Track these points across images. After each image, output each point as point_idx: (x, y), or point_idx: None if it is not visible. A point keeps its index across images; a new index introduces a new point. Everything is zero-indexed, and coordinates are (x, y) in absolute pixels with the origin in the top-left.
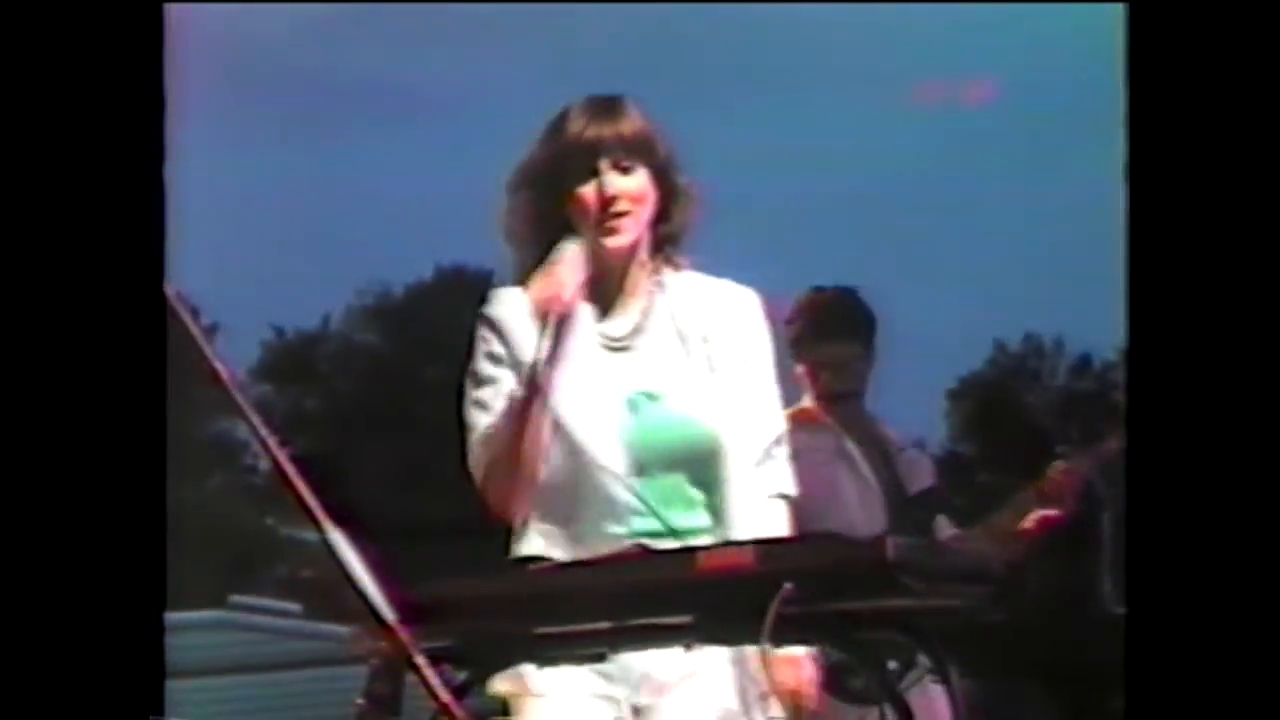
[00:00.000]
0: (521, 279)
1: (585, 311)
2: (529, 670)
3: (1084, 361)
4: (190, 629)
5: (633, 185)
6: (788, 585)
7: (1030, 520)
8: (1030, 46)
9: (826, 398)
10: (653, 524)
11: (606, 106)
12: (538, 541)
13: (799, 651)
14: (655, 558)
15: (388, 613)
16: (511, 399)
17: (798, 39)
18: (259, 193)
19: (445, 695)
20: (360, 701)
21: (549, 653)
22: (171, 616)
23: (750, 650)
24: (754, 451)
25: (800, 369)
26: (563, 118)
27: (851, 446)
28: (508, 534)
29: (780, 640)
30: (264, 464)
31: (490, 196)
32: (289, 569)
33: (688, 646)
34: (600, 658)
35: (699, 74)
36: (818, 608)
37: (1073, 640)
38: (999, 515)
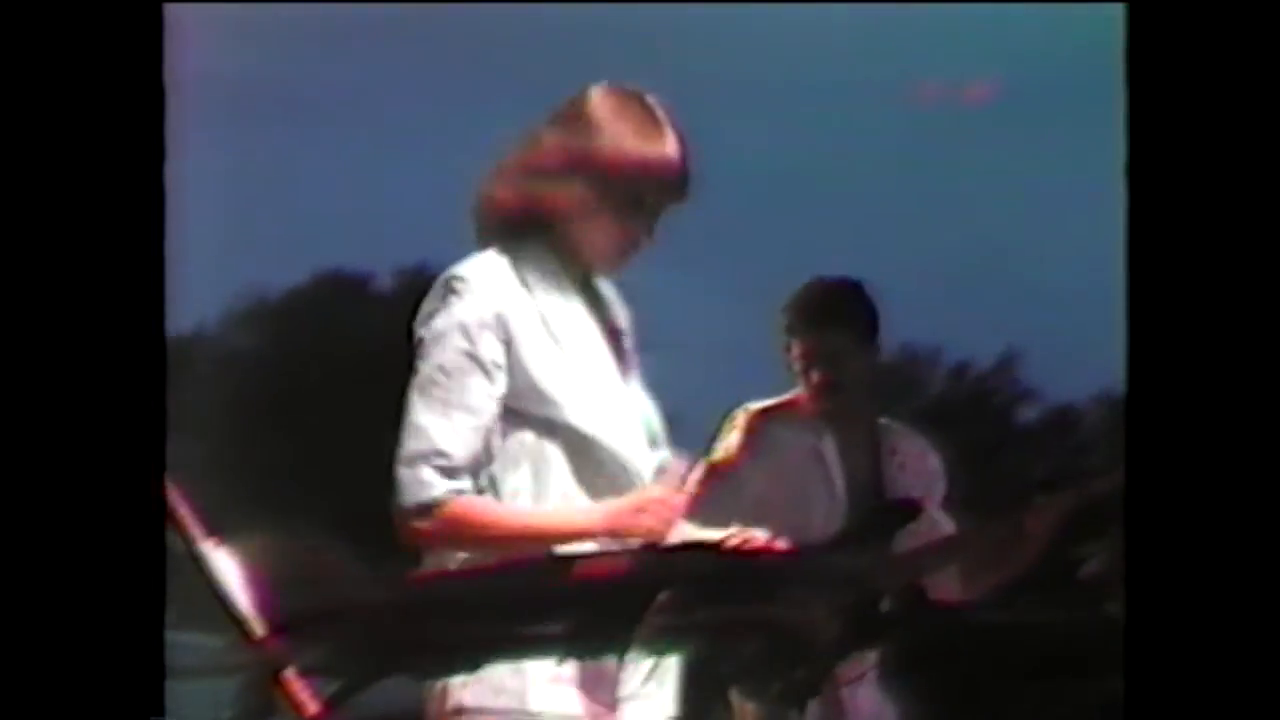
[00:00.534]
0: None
1: (579, 306)
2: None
3: (961, 369)
4: None
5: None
6: (664, 593)
7: (1030, 531)
8: (1030, 46)
9: (816, 388)
10: None
11: (678, 135)
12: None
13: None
14: (530, 566)
15: (256, 625)
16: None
17: (798, 38)
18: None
19: (314, 708)
20: (229, 715)
21: (422, 664)
22: None
23: None
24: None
25: (794, 357)
26: (651, 122)
27: (830, 447)
28: (388, 539)
29: (657, 649)
30: None
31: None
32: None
33: (561, 659)
34: (474, 667)
35: (698, 74)
36: (694, 616)
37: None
38: (994, 524)
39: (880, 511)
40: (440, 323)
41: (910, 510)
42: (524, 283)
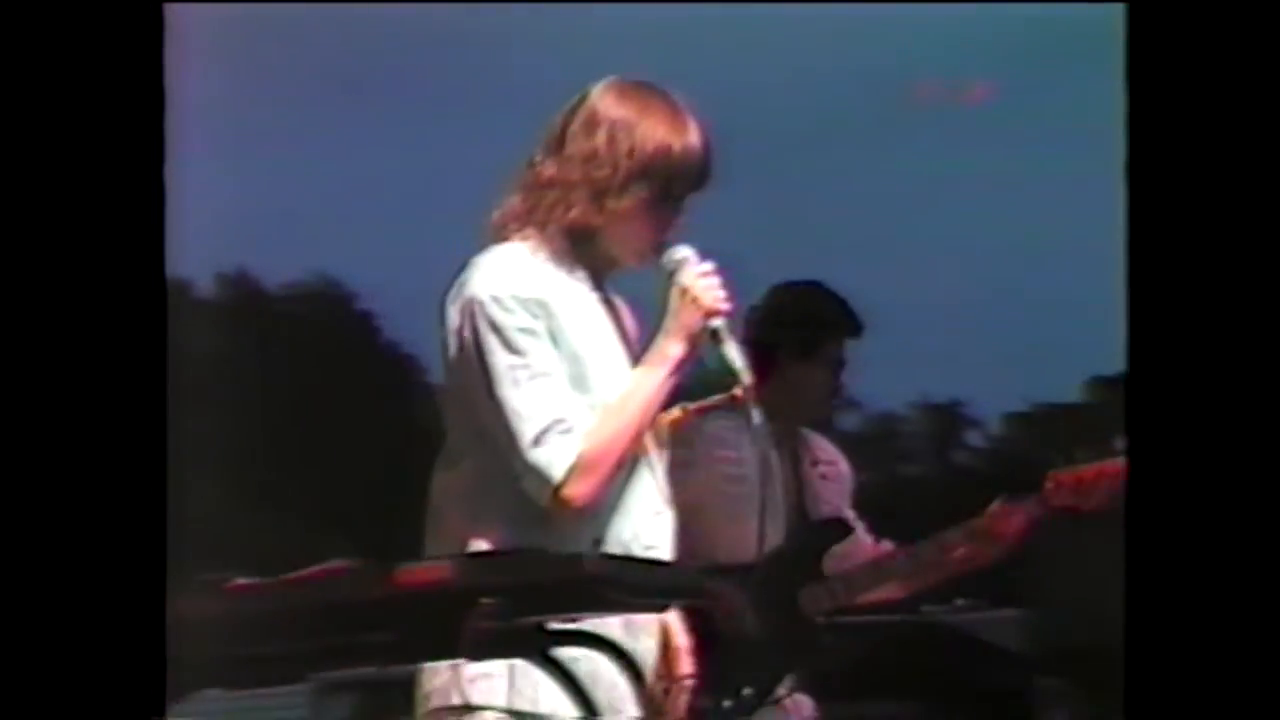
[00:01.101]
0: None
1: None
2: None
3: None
4: None
5: None
6: (485, 600)
7: (957, 553)
8: (1030, 46)
9: (757, 392)
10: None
11: (697, 121)
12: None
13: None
14: (351, 574)
15: None
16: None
17: (798, 38)
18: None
19: None
20: None
21: (248, 676)
22: None
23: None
24: None
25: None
26: (675, 111)
27: (773, 456)
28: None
29: (479, 656)
30: None
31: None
32: None
33: (383, 664)
34: (298, 677)
35: (700, 72)
36: (517, 623)
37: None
38: (924, 545)
39: (814, 530)
40: (487, 310)
41: (842, 530)
42: (550, 274)
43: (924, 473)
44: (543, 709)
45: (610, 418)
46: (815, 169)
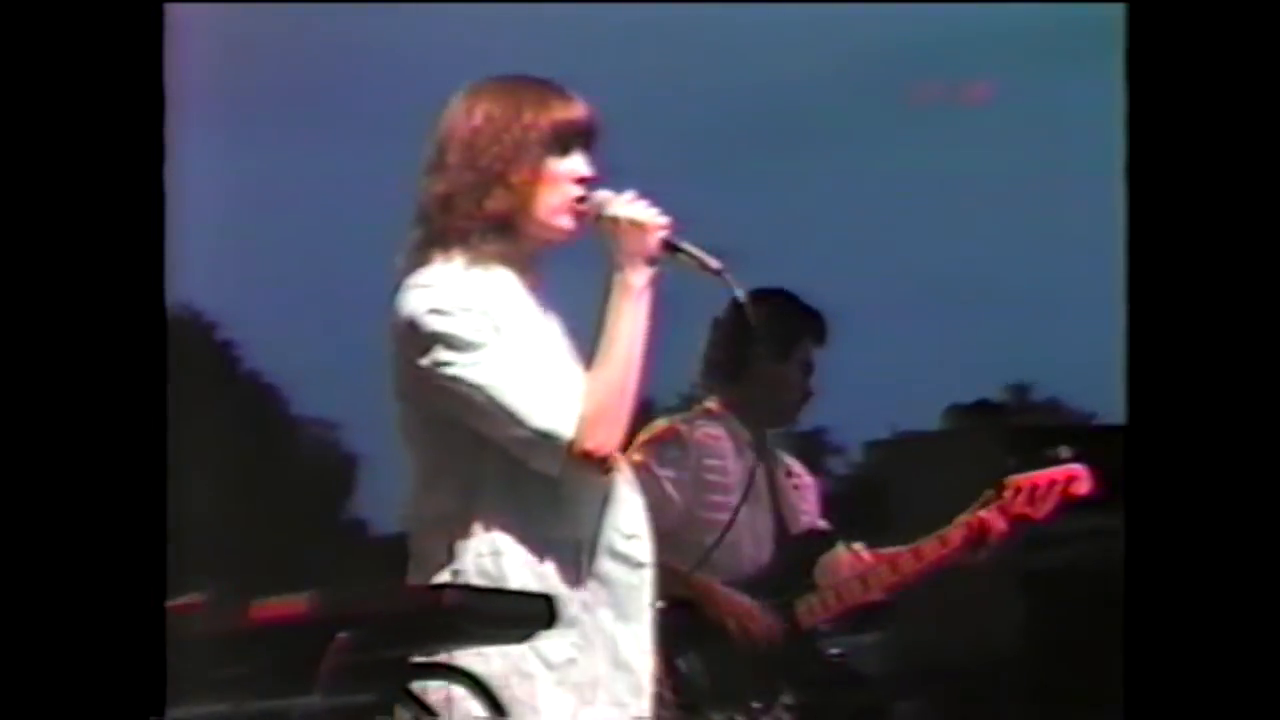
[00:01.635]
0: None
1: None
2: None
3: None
4: None
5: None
6: (343, 634)
7: (934, 557)
8: (1030, 46)
9: (737, 407)
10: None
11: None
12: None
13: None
14: (205, 609)
15: None
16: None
17: (798, 38)
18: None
19: None
20: None
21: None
22: None
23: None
24: None
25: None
26: (549, 87)
27: (755, 466)
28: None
29: (337, 690)
30: None
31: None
32: None
33: (239, 703)
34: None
35: (698, 72)
36: (375, 655)
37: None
38: (902, 554)
39: (802, 542)
40: (429, 324)
41: (826, 541)
42: (483, 281)
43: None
44: None
45: (602, 366)
46: (815, 169)
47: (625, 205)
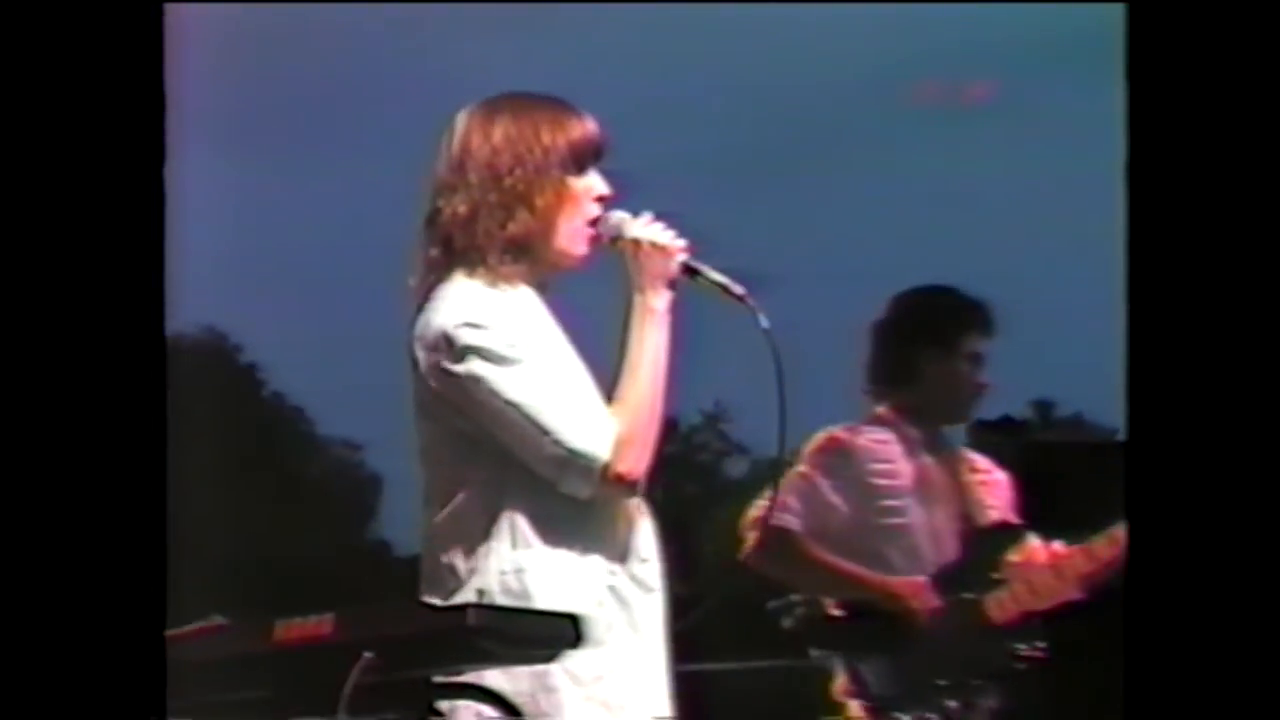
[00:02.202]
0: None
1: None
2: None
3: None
4: None
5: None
6: (367, 654)
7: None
8: (1030, 46)
9: (904, 404)
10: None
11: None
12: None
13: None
14: (228, 631)
15: None
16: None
17: (797, 39)
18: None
19: None
20: None
21: None
22: None
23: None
24: None
25: (875, 370)
26: (561, 107)
27: (931, 466)
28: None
29: (362, 711)
30: None
31: None
32: None
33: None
34: None
35: (699, 73)
36: (400, 675)
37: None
38: (1097, 540)
39: (988, 536)
40: (464, 336)
41: (1014, 534)
42: (506, 299)
43: None
44: None
45: (629, 389)
46: (814, 169)
47: (644, 227)
